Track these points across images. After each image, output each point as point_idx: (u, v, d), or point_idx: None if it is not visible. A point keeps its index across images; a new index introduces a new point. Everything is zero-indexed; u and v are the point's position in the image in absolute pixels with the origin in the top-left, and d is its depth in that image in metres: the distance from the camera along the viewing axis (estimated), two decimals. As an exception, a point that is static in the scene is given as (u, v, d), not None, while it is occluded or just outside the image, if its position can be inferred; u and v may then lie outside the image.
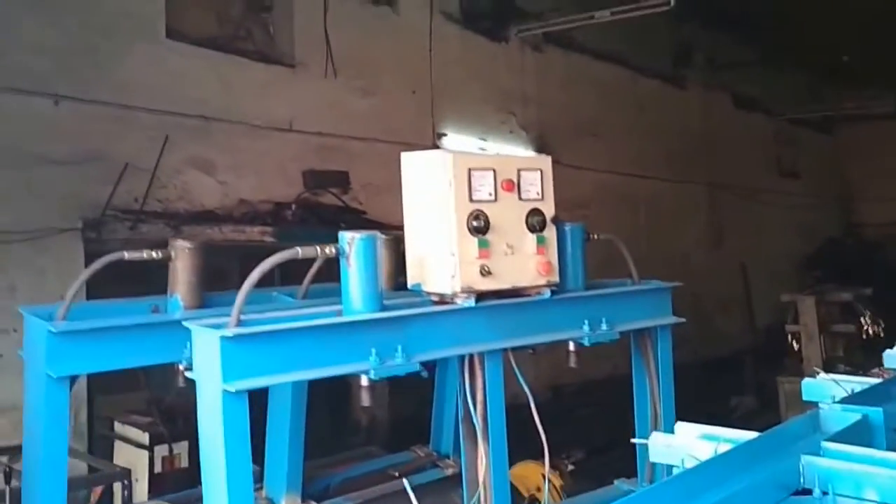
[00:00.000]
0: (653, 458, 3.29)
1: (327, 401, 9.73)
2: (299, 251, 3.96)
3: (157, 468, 8.13)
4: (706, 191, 20.21)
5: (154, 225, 9.74)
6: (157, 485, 7.96)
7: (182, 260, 4.71)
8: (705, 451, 3.05)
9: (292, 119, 11.27)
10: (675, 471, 3.07)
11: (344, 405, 9.62)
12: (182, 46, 10.29)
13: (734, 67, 20.41)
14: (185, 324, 3.71)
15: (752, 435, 3.09)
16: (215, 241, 9.99)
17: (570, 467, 8.03)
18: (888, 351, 4.41)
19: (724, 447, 3.00)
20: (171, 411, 8.30)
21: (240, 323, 3.67)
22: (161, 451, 8.15)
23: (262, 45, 11.50)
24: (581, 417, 13.33)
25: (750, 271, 21.51)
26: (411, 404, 7.85)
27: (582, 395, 14.24)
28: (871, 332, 12.42)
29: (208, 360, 3.57)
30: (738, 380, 16.30)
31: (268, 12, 11.64)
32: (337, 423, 9.99)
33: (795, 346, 12.49)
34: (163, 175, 9.94)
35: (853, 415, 3.26)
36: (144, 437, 8.22)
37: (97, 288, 8.12)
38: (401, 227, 4.53)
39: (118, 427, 8.57)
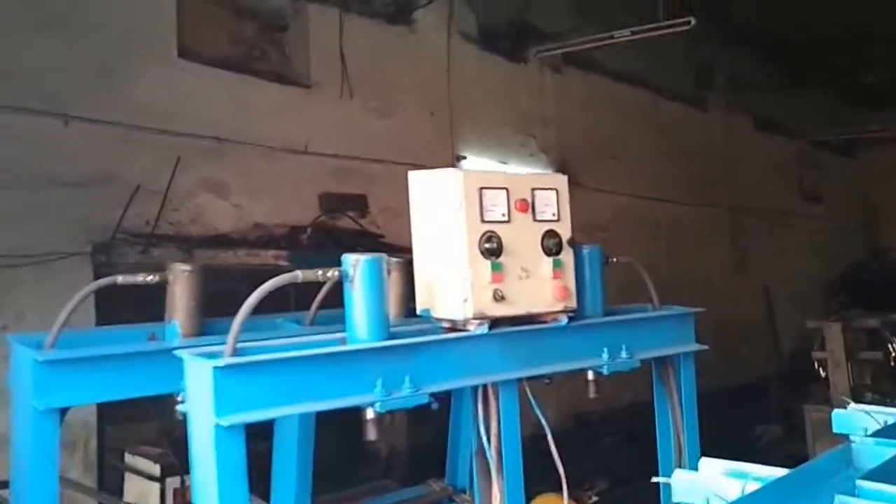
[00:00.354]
0: (676, 497, 3.08)
1: (342, 429, 9.52)
2: (299, 275, 3.74)
3: (169, 501, 7.92)
4: (728, 214, 19.99)
5: (166, 249, 9.59)
6: (168, 517, 7.78)
7: (180, 284, 4.49)
8: (732, 490, 2.88)
9: (308, 141, 11.11)
10: (701, 511, 2.89)
11: (360, 433, 9.40)
12: (195, 66, 10.18)
13: (755, 89, 20.22)
14: (175, 353, 3.50)
15: (782, 472, 2.91)
16: (229, 265, 9.85)
17: (594, 499, 7.83)
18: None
19: (752, 486, 2.83)
20: (183, 442, 8.08)
21: (236, 352, 3.45)
22: (172, 482, 7.90)
23: (277, 66, 11.39)
24: (605, 446, 13.11)
25: (773, 296, 21.23)
26: (430, 433, 7.65)
27: (605, 423, 14.01)
28: (900, 359, 12.15)
29: (200, 392, 3.34)
30: (762, 407, 16.03)
31: (283, 32, 11.53)
32: (353, 453, 9.76)
33: (822, 373, 12.25)
34: (175, 198, 9.79)
35: (888, 450, 3.10)
36: (155, 469, 7.99)
37: (108, 313, 8.04)
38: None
39: (128, 458, 8.37)
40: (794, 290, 21.23)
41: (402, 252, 8.01)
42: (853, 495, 2.67)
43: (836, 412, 3.71)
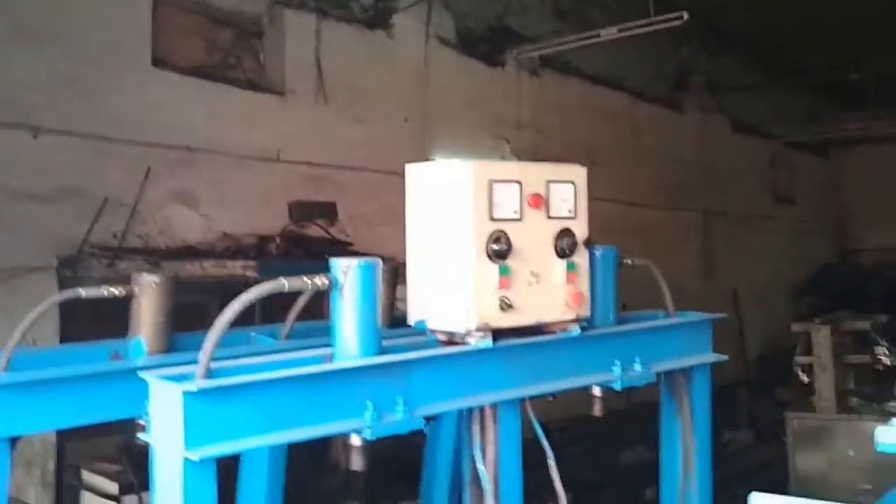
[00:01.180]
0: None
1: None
2: (285, 283, 3.30)
3: (126, 520, 7.47)
4: (701, 218, 19.68)
5: (133, 262, 9.11)
6: (126, 538, 7.32)
7: (147, 297, 4.05)
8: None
9: (280, 148, 10.69)
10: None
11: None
12: (169, 75, 9.73)
13: (733, 90, 19.93)
14: (141, 374, 3.04)
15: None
16: (195, 277, 9.44)
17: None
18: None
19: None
20: (143, 458, 7.62)
21: (209, 373, 3.00)
22: (130, 501, 7.48)
23: (252, 73, 10.96)
24: (568, 456, 12.69)
25: (741, 300, 20.91)
26: (390, 444, 7.20)
27: (568, 431, 13.58)
28: (888, 363, 11.74)
29: (168, 421, 2.89)
30: (729, 413, 15.64)
31: (258, 39, 11.10)
32: (313, 461, 9.22)
33: (805, 378, 11.78)
34: (144, 209, 9.35)
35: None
36: (113, 487, 7.56)
37: (73, 329, 7.57)
38: (389, 259, 3.90)
39: (86, 476, 7.92)
40: (760, 294, 21.00)
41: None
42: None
43: (881, 429, 3.55)
